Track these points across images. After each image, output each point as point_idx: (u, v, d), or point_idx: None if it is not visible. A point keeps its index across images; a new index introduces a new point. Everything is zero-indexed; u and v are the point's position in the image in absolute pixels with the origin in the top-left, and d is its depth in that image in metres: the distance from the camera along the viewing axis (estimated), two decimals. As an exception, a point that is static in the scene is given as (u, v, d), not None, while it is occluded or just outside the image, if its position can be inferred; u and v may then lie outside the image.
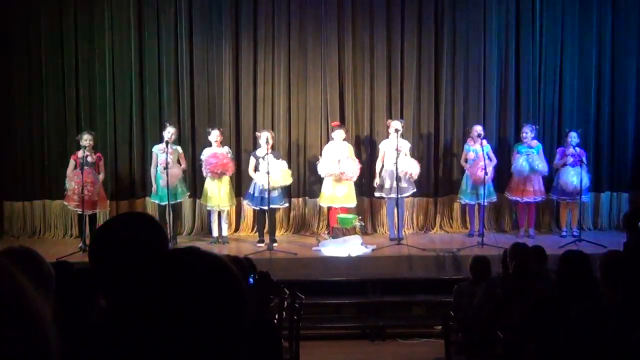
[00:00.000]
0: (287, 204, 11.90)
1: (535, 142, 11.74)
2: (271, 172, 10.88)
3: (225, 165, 11.26)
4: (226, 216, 11.79)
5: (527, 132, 11.69)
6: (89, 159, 11.05)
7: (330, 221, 11.90)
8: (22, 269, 1.21)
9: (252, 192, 11.44)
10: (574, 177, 11.41)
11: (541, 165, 11.53)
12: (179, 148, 11.62)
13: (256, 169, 11.30)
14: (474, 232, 11.90)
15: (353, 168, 11.44)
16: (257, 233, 11.93)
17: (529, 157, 11.52)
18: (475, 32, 12.62)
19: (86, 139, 11.11)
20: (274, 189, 11.15)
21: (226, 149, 11.56)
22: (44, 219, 12.56)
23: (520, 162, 11.53)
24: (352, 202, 11.73)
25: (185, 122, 12.41)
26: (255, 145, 11.85)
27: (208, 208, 11.67)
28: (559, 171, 11.74)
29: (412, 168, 11.38)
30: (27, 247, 3.01)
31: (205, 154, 11.42)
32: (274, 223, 11.64)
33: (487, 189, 11.45)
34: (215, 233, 11.72)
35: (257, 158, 11.32)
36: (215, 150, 11.37)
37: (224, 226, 11.75)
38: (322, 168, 11.47)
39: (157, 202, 11.45)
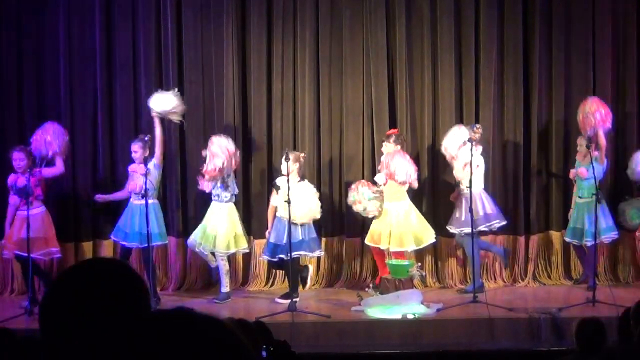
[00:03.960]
0: (322, 253, 11.96)
1: None
2: (294, 203, 11.01)
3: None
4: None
5: None
6: (19, 183, 11.13)
7: (379, 268, 11.95)
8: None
9: (270, 239, 11.57)
10: None
11: None
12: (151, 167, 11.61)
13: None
14: (586, 278, 11.89)
15: None
16: (271, 287, 12.13)
17: None
18: (581, 4, 12.63)
19: (17, 159, 11.15)
20: (300, 224, 11.28)
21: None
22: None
23: None
24: (432, 237, 11.91)
25: (172, 131, 12.41)
26: (271, 163, 12.01)
27: (220, 253, 11.71)
28: None
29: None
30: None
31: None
32: (297, 273, 11.70)
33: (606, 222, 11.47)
34: (225, 288, 11.67)
35: (277, 189, 11.41)
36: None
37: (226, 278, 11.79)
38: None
39: (123, 243, 11.58)
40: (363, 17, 12.59)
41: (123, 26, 12.50)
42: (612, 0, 12.61)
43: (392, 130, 11.99)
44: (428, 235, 11.86)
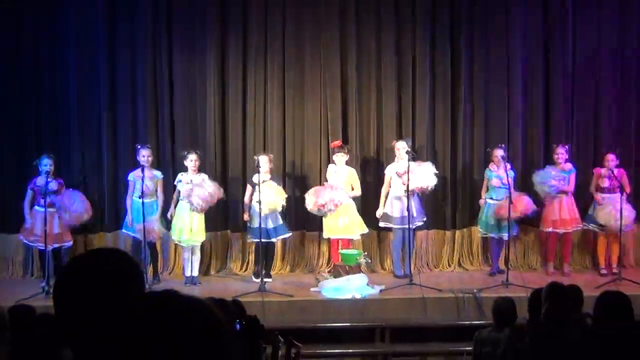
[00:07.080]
0: (290, 233, 12.04)
1: (569, 165, 11.80)
2: (263, 199, 11.04)
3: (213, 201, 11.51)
4: (198, 253, 11.84)
5: (562, 153, 11.74)
6: (51, 186, 11.04)
7: (332, 257, 11.94)
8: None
9: (251, 225, 11.63)
10: (610, 210, 11.45)
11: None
12: (159, 174, 11.65)
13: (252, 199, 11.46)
14: (497, 269, 11.94)
15: (338, 196, 11.62)
16: (245, 271, 12.24)
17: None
18: (497, 39, 12.71)
19: (46, 164, 11.09)
20: (271, 211, 11.39)
21: (203, 176, 11.58)
22: (-1, 255, 12.47)
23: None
24: (360, 230, 11.90)
25: (165, 144, 12.41)
26: (245, 170, 12.06)
27: (180, 243, 11.70)
28: (595, 200, 11.82)
29: (425, 180, 11.47)
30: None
31: (184, 179, 11.49)
32: (272, 257, 11.96)
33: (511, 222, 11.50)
34: (188, 272, 11.70)
35: (252, 186, 11.44)
36: (202, 180, 11.45)
37: (195, 265, 11.73)
38: (307, 203, 11.70)
39: (131, 234, 11.51)
40: (320, 52, 12.59)
41: (123, 56, 12.34)
42: (521, 34, 12.67)
43: (337, 142, 12.08)
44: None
